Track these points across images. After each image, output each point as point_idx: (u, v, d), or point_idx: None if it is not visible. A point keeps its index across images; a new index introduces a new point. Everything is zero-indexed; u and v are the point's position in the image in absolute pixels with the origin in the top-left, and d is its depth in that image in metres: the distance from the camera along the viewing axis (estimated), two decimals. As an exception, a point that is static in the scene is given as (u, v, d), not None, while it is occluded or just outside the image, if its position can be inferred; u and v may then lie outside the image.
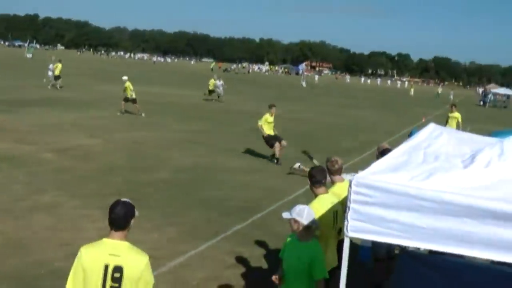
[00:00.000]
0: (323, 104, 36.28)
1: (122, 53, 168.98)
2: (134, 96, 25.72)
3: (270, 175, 14.78)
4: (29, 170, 13.33)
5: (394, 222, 4.05)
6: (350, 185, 4.24)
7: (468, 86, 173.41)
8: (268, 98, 42.29)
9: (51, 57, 47.87)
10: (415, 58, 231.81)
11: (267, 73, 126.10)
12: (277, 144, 16.21)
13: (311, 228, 5.15)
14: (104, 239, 4.34)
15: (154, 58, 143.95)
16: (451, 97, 65.31)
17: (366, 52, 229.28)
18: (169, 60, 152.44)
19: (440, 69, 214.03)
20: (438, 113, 43.68)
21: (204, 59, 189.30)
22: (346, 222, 4.28)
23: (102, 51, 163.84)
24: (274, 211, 11.13)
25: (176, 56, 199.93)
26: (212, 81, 37.55)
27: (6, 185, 11.83)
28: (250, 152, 18.32)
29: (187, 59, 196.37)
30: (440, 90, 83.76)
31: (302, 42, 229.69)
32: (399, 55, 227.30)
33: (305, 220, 5.13)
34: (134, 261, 4.21)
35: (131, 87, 25.67)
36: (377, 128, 28.78)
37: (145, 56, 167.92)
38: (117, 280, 4.12)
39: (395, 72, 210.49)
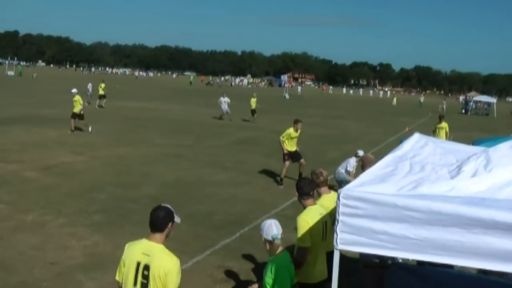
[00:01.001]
0: (307, 116, 36.37)
1: (107, 68, 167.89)
2: (82, 112, 23.74)
3: (257, 188, 14.76)
4: (13, 189, 13.19)
5: (383, 233, 4.06)
6: (338, 198, 4.24)
7: (449, 94, 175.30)
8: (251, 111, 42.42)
9: (98, 77, 47.71)
10: (396, 67, 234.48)
11: (249, 86, 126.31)
12: (287, 163, 15.60)
13: (272, 242, 5.12)
14: (144, 239, 4.75)
15: (136, 73, 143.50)
16: (444, 106, 64.96)
17: (348, 63, 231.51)
18: (151, 74, 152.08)
19: (421, 78, 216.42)
20: (421, 121, 44.08)
21: (187, 73, 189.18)
22: (335, 235, 4.28)
23: (82, 68, 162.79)
24: (260, 225, 11.08)
25: (159, 70, 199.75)
26: (253, 100, 35.81)
27: (-11, 205, 11.68)
28: (236, 165, 18.30)
29: (169, 73, 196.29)
30: (422, 99, 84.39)
31: (284, 54, 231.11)
32: (381, 65, 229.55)
33: (265, 235, 5.15)
34: (162, 262, 4.54)
35: (81, 101, 24.37)
36: (361, 138, 28.92)
37: (127, 71, 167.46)
38: (146, 277, 4.55)
39: (377, 82, 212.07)
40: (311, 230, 5.76)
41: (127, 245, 4.83)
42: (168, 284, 4.50)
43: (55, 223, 10.74)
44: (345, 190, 4.23)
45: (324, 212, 6.04)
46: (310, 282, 5.87)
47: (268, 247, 5.20)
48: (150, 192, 13.74)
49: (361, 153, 14.13)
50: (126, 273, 4.65)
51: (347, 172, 14.06)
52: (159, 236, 4.69)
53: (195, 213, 11.85)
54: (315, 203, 6.14)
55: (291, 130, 15.66)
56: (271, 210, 12.38)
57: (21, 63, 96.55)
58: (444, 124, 22.28)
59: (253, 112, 35.45)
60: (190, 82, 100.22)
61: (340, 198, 4.20)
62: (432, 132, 21.84)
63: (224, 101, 35.34)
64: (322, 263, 5.99)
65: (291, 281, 5.18)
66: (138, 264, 4.58)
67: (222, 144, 23.20)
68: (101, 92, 37.08)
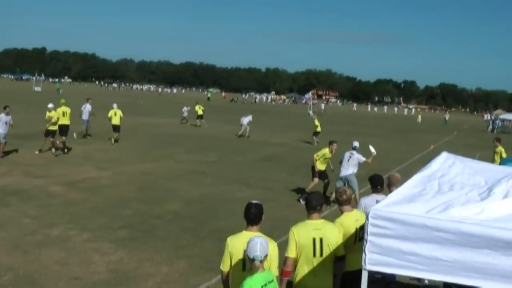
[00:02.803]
0: (331, 133, 36.24)
1: (133, 85, 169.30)
2: (55, 128, 22.31)
3: (282, 206, 14.68)
4: (39, 203, 13.35)
5: (413, 254, 4.01)
6: (367, 218, 4.21)
7: (475, 112, 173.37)
8: (276, 127, 42.57)
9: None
10: (421, 85, 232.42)
11: (273, 103, 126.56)
12: (315, 180, 15.84)
13: (252, 261, 5.03)
14: (244, 232, 5.64)
15: (160, 90, 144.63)
16: (446, 118, 63.35)
17: (372, 80, 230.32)
18: (175, 91, 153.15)
19: (446, 96, 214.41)
20: (447, 139, 43.63)
21: (211, 89, 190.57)
22: (363, 255, 4.24)
23: (106, 84, 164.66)
24: (285, 242, 11.02)
25: (183, 87, 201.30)
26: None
27: (15, 220, 11.83)
28: (260, 182, 18.28)
29: (193, 89, 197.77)
30: (447, 116, 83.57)
31: (308, 71, 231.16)
32: (405, 82, 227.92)
33: (248, 251, 5.01)
34: (270, 247, 5.25)
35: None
36: (386, 155, 28.68)
37: (152, 87, 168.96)
38: None
39: (401, 99, 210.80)
40: (297, 243, 5.87)
41: (229, 239, 5.63)
42: (271, 264, 5.39)
43: (79, 238, 10.82)
44: (374, 210, 4.20)
45: (320, 228, 5.98)
46: None
47: (249, 265, 5.07)
48: (174, 208, 13.78)
49: (356, 144, 15.73)
50: (237, 261, 5.44)
51: (357, 165, 15.23)
52: (257, 227, 5.64)
53: (219, 230, 11.83)
54: (319, 219, 6.09)
55: (326, 151, 15.98)
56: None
57: (55, 79, 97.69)
58: (499, 148, 19.99)
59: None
60: (208, 98, 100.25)
61: (369, 218, 4.17)
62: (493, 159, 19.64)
63: (246, 117, 35.61)
64: (316, 279, 5.91)
65: None
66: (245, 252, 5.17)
67: (246, 161, 23.22)
68: (200, 112, 39.46)
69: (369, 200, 7.84)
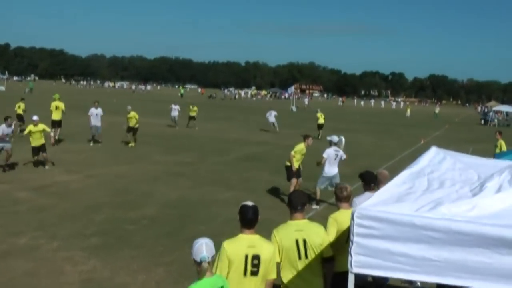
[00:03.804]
0: (314, 129, 36.38)
1: (106, 83, 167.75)
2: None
3: (264, 207, 14.56)
4: (4, 210, 13.20)
5: (402, 255, 4.02)
6: (352, 217, 4.21)
7: (467, 104, 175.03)
8: (257, 125, 42.51)
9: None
10: (409, 77, 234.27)
11: (253, 98, 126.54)
12: (294, 180, 15.56)
13: (200, 264, 4.97)
14: (241, 235, 5.65)
15: (133, 87, 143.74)
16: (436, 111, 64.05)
17: (358, 72, 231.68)
18: (149, 87, 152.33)
19: (436, 88, 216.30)
20: (438, 134, 44.01)
21: (188, 86, 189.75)
22: (349, 257, 4.24)
23: (75, 81, 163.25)
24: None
25: (158, 83, 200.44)
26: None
27: (-21, 228, 11.68)
28: (241, 183, 18.27)
29: (169, 85, 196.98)
30: (438, 109, 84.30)
31: (290, 64, 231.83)
32: (393, 74, 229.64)
33: (193, 255, 5.02)
34: (268, 249, 5.62)
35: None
36: (374, 152, 28.87)
37: (125, 84, 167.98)
38: (256, 265, 5.51)
39: (389, 92, 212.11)
40: (280, 245, 5.93)
41: (226, 243, 5.57)
42: (272, 267, 5.62)
43: (49, 246, 10.72)
44: (359, 209, 4.20)
45: (303, 228, 6.01)
46: None
47: (196, 269, 5.04)
48: (150, 212, 13.72)
49: (335, 138, 15.88)
50: (236, 266, 5.47)
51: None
52: (252, 230, 5.65)
53: (198, 235, 11.67)
54: (301, 220, 6.12)
55: (302, 146, 15.73)
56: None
57: (20, 78, 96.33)
58: (500, 142, 20.23)
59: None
60: (181, 95, 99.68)
61: (355, 218, 4.17)
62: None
63: (270, 113, 39.52)
64: (304, 283, 5.95)
65: None
66: (246, 256, 5.47)
67: (226, 161, 23.19)
68: (192, 113, 38.52)
69: (363, 199, 7.86)
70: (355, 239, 4.16)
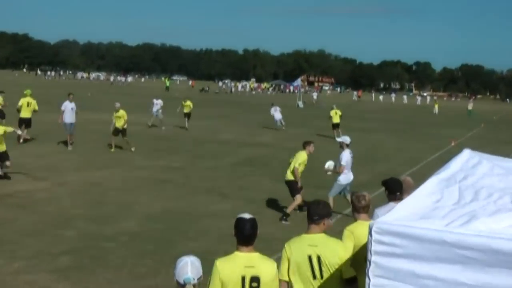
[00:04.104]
0: (327, 129, 36.39)
1: (82, 73, 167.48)
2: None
3: (265, 221, 14.53)
4: (-43, 225, 13.18)
5: (429, 278, 3.99)
6: (369, 233, 4.18)
7: (507, 100, 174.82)
8: (257, 123, 42.52)
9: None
10: (437, 67, 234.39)
11: (253, 92, 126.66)
12: (299, 197, 15.33)
13: (183, 287, 5.01)
14: (237, 253, 5.59)
15: (112, 78, 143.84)
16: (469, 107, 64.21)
17: (377, 62, 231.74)
18: (130, 79, 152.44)
19: (470, 80, 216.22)
20: (471, 134, 44.03)
21: (176, 77, 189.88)
22: (367, 280, 4.22)
23: (41, 72, 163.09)
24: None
25: (141, 74, 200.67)
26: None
27: None
28: (238, 191, 18.28)
29: (154, 77, 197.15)
30: (471, 105, 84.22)
31: (296, 52, 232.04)
32: (418, 64, 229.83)
33: (176, 276, 5.08)
34: (269, 269, 5.60)
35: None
36: (396, 155, 28.88)
37: (102, 75, 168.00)
38: None
39: (413, 85, 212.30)
40: (290, 261, 5.98)
41: (218, 262, 5.56)
42: (275, 285, 5.63)
43: (8, 268, 10.67)
44: (378, 223, 4.17)
45: (318, 244, 6.02)
46: None
47: None
48: (131, 227, 13.69)
49: (347, 139, 15.71)
50: None
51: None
52: (250, 248, 5.58)
53: (187, 253, 11.73)
54: (317, 233, 6.12)
55: (305, 155, 15.57)
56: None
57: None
58: None
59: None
60: (167, 88, 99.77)
61: (373, 233, 4.14)
62: None
63: (275, 109, 40.73)
64: None
65: None
66: (243, 278, 5.43)
67: (221, 166, 23.19)
68: (186, 110, 37.41)
69: (387, 211, 7.82)
70: (373, 258, 4.13)
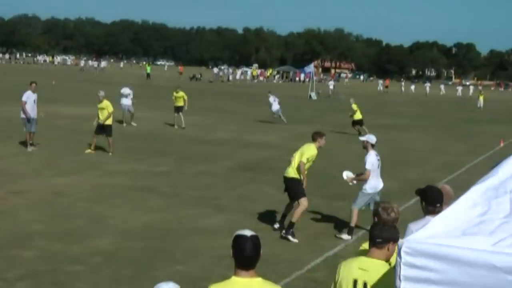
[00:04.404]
0: (343, 125, 36.44)
1: (44, 56, 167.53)
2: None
3: (269, 238, 14.55)
4: None
5: (473, 309, 3.98)
6: (398, 253, 4.17)
7: None
8: (258, 119, 42.54)
9: None
10: (483, 50, 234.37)
11: (255, 81, 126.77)
12: (303, 202, 14.96)
13: None
14: (234, 278, 5.54)
15: (82, 63, 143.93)
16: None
17: (408, 44, 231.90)
18: (104, 64, 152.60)
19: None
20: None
21: (161, 61, 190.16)
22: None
23: None
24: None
25: (118, 58, 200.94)
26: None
27: None
28: (236, 202, 18.29)
29: (134, 61, 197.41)
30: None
31: (308, 31, 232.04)
32: (459, 46, 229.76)
33: None
34: None
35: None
36: (431, 159, 28.88)
37: (69, 59, 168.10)
38: None
39: (453, 72, 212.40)
40: (337, 282, 6.13)
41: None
42: None
43: (-46, 296, 10.70)
44: (409, 242, 4.15)
45: (369, 269, 6.04)
46: None
47: None
48: (104, 246, 13.69)
49: (372, 139, 15.21)
50: None
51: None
52: (251, 272, 5.49)
53: (173, 278, 11.73)
54: (374, 259, 6.13)
55: (314, 148, 15.17)
56: (292, 272, 12.32)
57: None
58: None
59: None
60: (148, 75, 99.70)
61: (402, 254, 4.13)
62: None
63: (274, 99, 41.99)
64: None
65: None
66: None
67: (214, 171, 23.20)
68: (179, 103, 36.81)
69: (422, 226, 7.81)
70: (403, 284, 4.13)
